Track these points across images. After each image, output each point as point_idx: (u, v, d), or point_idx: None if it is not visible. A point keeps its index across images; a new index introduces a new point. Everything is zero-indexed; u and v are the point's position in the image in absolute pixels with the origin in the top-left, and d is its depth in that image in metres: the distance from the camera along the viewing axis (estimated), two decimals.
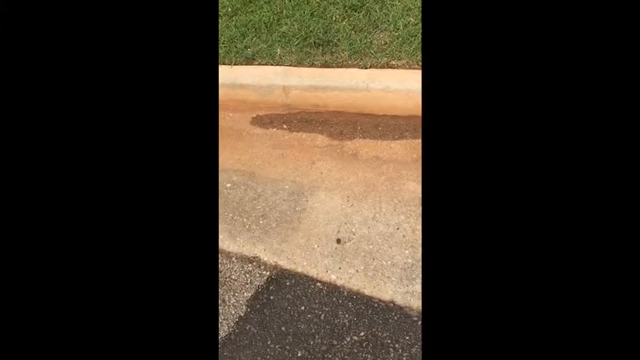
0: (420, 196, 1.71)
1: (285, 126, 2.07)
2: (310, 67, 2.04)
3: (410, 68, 1.96)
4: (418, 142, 1.91)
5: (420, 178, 1.76)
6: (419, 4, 2.12)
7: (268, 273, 1.54)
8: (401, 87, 1.92)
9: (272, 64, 2.10)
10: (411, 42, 2.00)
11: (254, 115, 2.13)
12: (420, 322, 1.35)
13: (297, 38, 2.12)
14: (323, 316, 1.40)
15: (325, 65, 2.03)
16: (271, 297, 1.48)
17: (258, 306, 1.46)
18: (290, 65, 2.07)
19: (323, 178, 1.82)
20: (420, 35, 2.00)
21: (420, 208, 1.67)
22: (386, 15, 2.11)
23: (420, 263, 1.49)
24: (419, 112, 1.98)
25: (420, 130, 1.97)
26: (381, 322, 1.35)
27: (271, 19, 2.23)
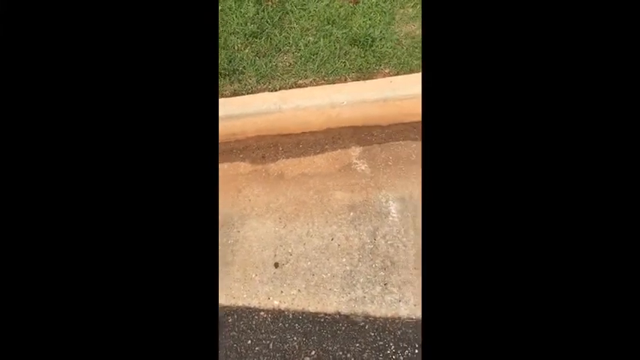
0: (348, 203, 1.76)
1: None
2: (220, 97, 2.04)
3: (317, 85, 2.05)
4: (338, 153, 1.98)
5: (345, 187, 1.82)
6: (316, 24, 2.24)
7: None
8: (311, 104, 1.99)
9: None
10: (313, 60, 2.09)
11: None
12: (366, 327, 1.37)
13: None
14: (271, 344, 1.36)
15: (235, 93, 2.04)
16: None
17: None
18: None
19: (252, 205, 1.80)
20: (321, 53, 2.10)
21: (350, 214, 1.72)
22: (286, 38, 2.19)
23: (358, 268, 1.53)
24: (333, 124, 2.06)
25: (339, 140, 2.05)
26: (329, 336, 1.35)
27: None
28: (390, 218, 1.68)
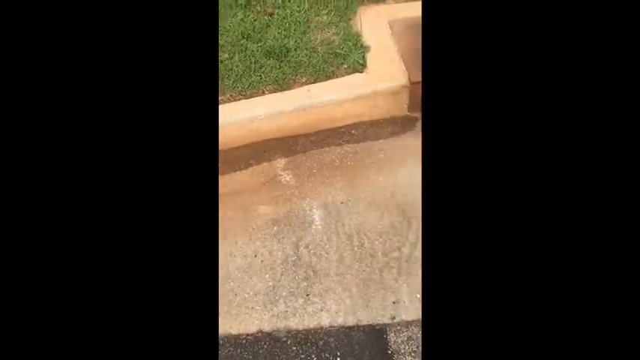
0: (272, 217, 1.75)
1: None
2: None
3: (234, 101, 2.03)
4: (263, 167, 1.96)
5: (269, 200, 1.81)
6: (230, 39, 2.22)
7: None
8: (232, 119, 1.97)
9: None
10: (229, 76, 2.07)
11: None
12: (288, 342, 1.35)
13: None
14: None
15: None
16: None
17: None
18: None
19: None
20: (236, 68, 2.09)
21: (274, 228, 1.70)
22: None
23: (280, 282, 1.51)
24: (256, 138, 2.04)
25: (264, 154, 2.03)
26: (251, 357, 1.32)
27: None
28: (314, 227, 1.68)
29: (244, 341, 1.36)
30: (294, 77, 2.08)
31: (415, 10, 2.30)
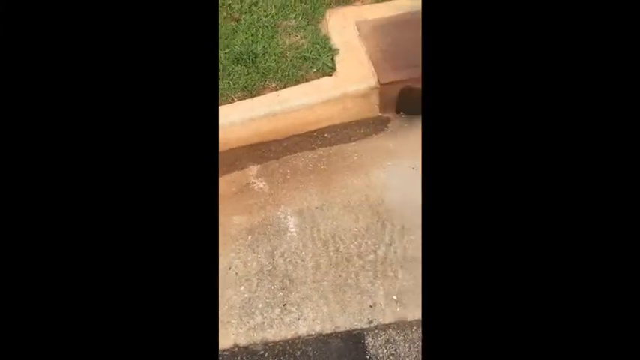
0: (246, 226, 1.71)
1: None
2: None
3: None
4: (235, 175, 1.93)
5: (242, 209, 1.77)
6: None
7: None
8: None
9: None
10: None
11: None
12: (266, 354, 1.32)
13: None
14: None
15: None
16: None
17: None
18: None
19: None
20: None
21: (248, 237, 1.67)
22: None
23: (256, 294, 1.48)
24: (227, 146, 2.01)
25: (235, 162, 2.00)
26: None
27: None
28: (289, 234, 1.65)
29: (220, 357, 1.32)
30: (263, 83, 2.05)
31: (382, 11, 2.32)
